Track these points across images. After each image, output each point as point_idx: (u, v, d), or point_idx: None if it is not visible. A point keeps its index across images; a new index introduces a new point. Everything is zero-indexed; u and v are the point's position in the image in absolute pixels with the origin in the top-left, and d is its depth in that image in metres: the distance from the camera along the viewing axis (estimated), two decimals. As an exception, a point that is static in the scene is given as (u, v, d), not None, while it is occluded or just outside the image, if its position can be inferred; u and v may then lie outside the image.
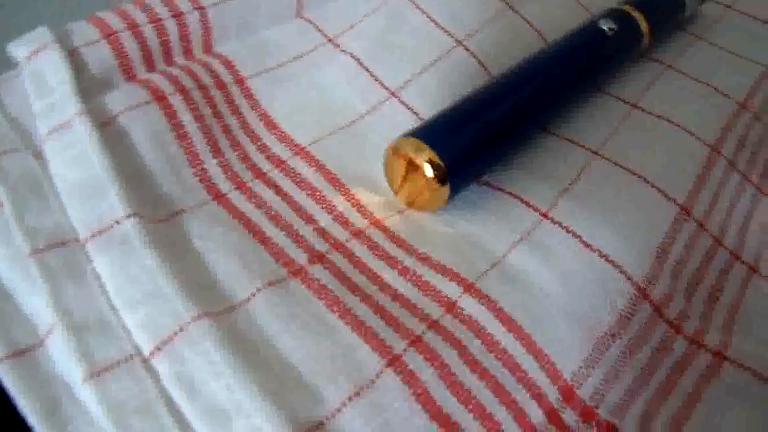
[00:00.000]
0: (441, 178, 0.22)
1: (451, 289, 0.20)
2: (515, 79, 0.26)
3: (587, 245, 0.23)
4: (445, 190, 0.22)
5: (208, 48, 0.26)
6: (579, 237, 0.23)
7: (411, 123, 0.25)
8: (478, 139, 0.23)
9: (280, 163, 0.23)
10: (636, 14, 0.30)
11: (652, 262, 0.22)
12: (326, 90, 0.26)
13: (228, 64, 0.25)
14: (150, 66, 0.24)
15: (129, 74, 0.23)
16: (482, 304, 0.20)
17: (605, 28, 0.28)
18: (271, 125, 0.24)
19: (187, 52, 0.25)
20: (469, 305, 0.20)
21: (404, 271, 0.21)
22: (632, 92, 0.29)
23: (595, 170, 0.25)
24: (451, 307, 0.20)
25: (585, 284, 0.21)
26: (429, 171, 0.22)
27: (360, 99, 0.26)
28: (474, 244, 0.22)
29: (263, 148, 0.24)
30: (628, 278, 0.22)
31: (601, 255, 0.22)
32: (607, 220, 0.23)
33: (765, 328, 0.23)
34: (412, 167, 0.22)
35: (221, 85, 0.24)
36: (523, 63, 0.27)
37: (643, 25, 0.30)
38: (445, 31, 0.28)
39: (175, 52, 0.25)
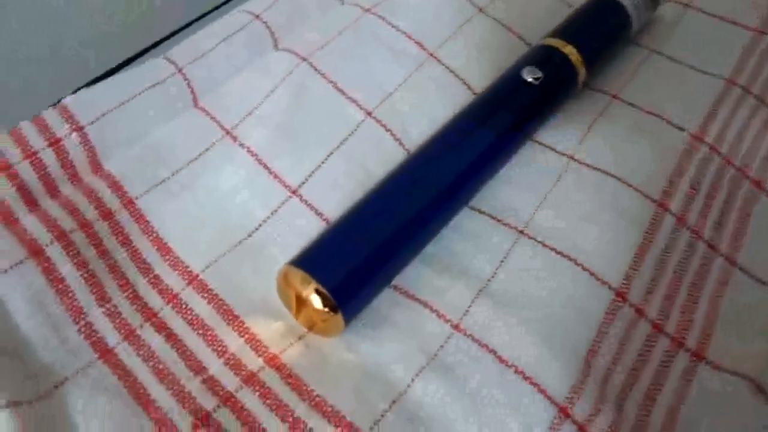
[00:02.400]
0: (332, 307, 0.20)
1: (342, 446, 0.18)
2: (422, 167, 0.23)
3: (502, 360, 0.20)
4: (339, 318, 0.20)
5: (96, 167, 0.23)
6: (493, 352, 0.20)
7: (312, 227, 0.23)
8: (374, 255, 0.21)
9: (172, 298, 0.21)
10: (566, 49, 0.26)
11: (573, 383, 0.20)
12: (224, 197, 0.23)
13: (115, 186, 0.23)
14: (31, 205, 0.22)
15: (7, 220, 0.21)
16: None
17: (529, 78, 0.25)
18: (164, 250, 0.22)
19: (74, 178, 0.23)
20: (358, 463, 0.18)
21: (295, 425, 0.19)
22: (568, 141, 0.26)
23: (519, 254, 0.23)
24: (337, 469, 0.18)
25: (497, 409, 0.19)
26: (317, 303, 0.19)
27: (259, 203, 0.23)
28: (375, 377, 0.20)
29: (155, 281, 0.22)
30: (549, 400, 0.19)
31: (518, 372, 0.20)
32: (530, 320, 0.21)
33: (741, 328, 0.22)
34: (302, 298, 0.20)
35: (107, 215, 0.22)
36: (434, 141, 0.24)
37: (576, 59, 0.26)
38: (352, 100, 0.25)
39: (60, 182, 0.23)
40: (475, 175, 0.23)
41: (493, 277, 0.22)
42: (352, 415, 0.19)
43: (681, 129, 0.26)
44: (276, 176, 0.24)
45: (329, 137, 0.24)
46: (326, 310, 0.19)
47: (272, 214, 0.23)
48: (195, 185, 0.24)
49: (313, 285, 0.19)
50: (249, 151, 0.24)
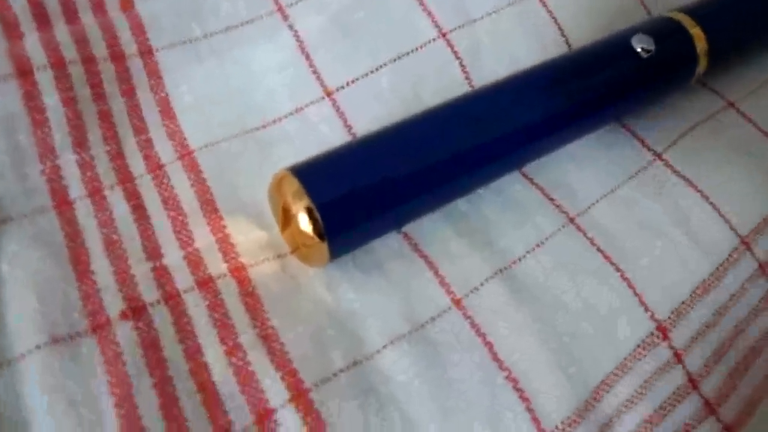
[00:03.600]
0: (319, 234, 0.16)
1: (275, 393, 0.15)
2: (478, 107, 0.19)
3: (496, 358, 0.16)
4: (324, 248, 0.16)
5: (126, 3, 0.20)
6: (489, 345, 0.16)
7: (336, 137, 0.19)
8: (386, 189, 0.17)
9: (156, 168, 0.18)
10: (694, 30, 0.21)
11: None
12: (252, 77, 0.20)
13: (139, 29, 0.20)
14: (42, 25, 0.19)
15: (10, 33, 0.18)
16: (304, 423, 0.15)
17: (638, 48, 0.20)
18: (167, 113, 0.19)
19: (98, 8, 0.20)
20: (288, 419, 0.15)
21: (233, 351, 0.16)
22: (661, 136, 0.21)
23: (560, 243, 0.18)
24: (263, 417, 0.15)
25: (469, 414, 0.15)
26: (304, 223, 0.16)
27: (288, 94, 0.20)
28: (344, 328, 0.16)
29: (145, 144, 0.19)
30: (536, 425, 0.15)
31: (510, 379, 0.16)
32: (547, 324, 0.17)
33: None
34: (290, 214, 0.16)
35: (118, 57, 0.19)
36: (503, 84, 0.19)
37: (701, 45, 0.21)
38: (428, 13, 0.21)
39: (82, 8, 0.20)
40: (538, 139, 0.19)
41: (521, 259, 0.18)
42: (300, 363, 0.16)
43: (800, 165, 0.21)
44: (315, 71, 0.20)
45: (389, 46, 0.20)
46: (312, 234, 0.16)
47: (297, 110, 0.19)
48: (226, 54, 0.20)
49: (305, 202, 0.16)
50: (296, 35, 0.20)
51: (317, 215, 0.16)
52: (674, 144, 0.21)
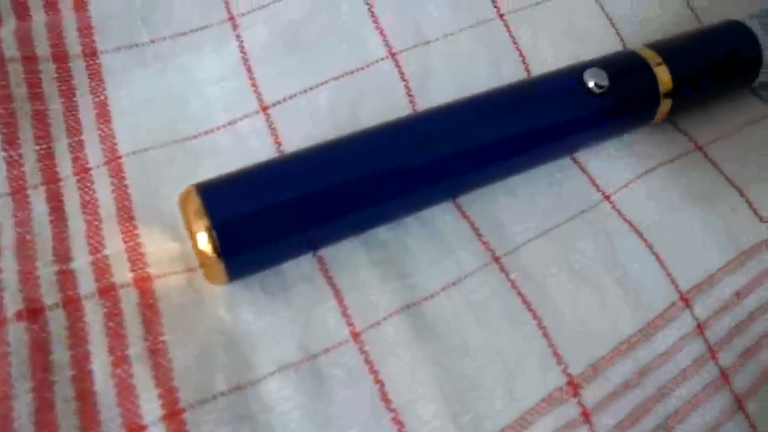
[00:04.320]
0: (217, 254, 0.16)
1: (150, 409, 0.15)
2: (411, 131, 0.18)
3: (385, 398, 0.16)
4: (221, 269, 0.16)
5: (79, 3, 0.20)
6: (381, 384, 0.16)
7: (264, 154, 0.19)
8: (296, 212, 0.16)
9: (82, 171, 0.18)
10: (657, 68, 0.19)
11: None
12: (194, 85, 0.20)
13: (87, 30, 0.20)
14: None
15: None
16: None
17: (590, 83, 0.19)
18: (103, 117, 0.19)
19: (51, 7, 0.20)
20: (156, 439, 0.15)
21: (119, 362, 0.15)
22: (613, 177, 0.20)
23: (478, 283, 0.17)
24: (132, 433, 0.15)
25: None
26: (203, 243, 0.16)
27: (223, 106, 0.19)
28: (236, 350, 0.16)
29: (77, 146, 0.19)
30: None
31: (395, 421, 0.15)
32: (444, 369, 0.16)
33: None
34: (191, 231, 0.16)
35: (60, 58, 0.19)
36: (440, 109, 0.19)
37: (664, 84, 0.19)
38: (380, 31, 0.20)
39: (33, 5, 0.20)
40: (472, 170, 0.18)
41: (433, 296, 0.17)
42: (182, 381, 0.15)
43: (762, 221, 0.20)
44: (254, 84, 0.19)
45: (334, 63, 0.20)
46: (210, 253, 0.15)
47: (231, 123, 0.19)
48: (171, 61, 0.20)
49: (204, 222, 0.15)
50: (241, 46, 0.20)
51: (215, 235, 0.15)
52: (626, 186, 0.20)
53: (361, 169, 0.17)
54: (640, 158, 0.20)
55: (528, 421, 0.16)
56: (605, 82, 0.19)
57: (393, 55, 0.20)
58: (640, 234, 0.19)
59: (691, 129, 0.21)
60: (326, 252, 0.18)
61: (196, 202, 0.16)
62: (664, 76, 0.19)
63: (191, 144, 0.19)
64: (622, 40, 0.22)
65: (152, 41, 0.20)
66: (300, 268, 0.17)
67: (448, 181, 0.18)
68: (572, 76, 0.19)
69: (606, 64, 0.19)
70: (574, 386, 0.16)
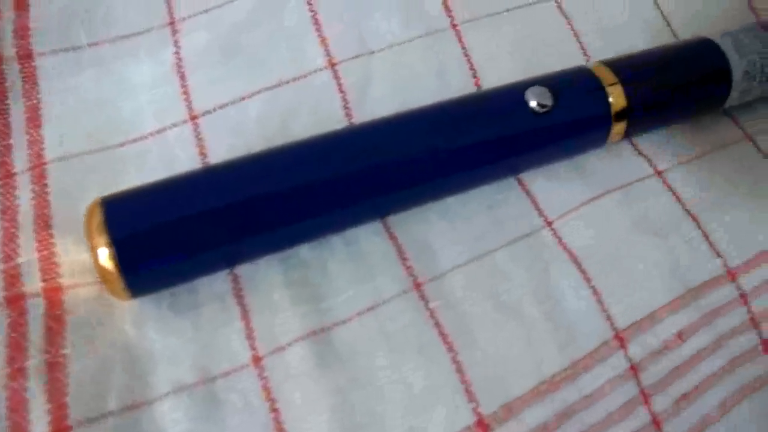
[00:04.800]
0: (118, 271, 0.15)
1: (37, 425, 0.15)
2: (338, 147, 0.17)
3: (280, 428, 0.15)
4: (122, 286, 0.15)
5: (21, 4, 0.20)
6: (276, 413, 0.15)
7: (188, 164, 0.18)
8: (206, 229, 0.16)
9: (7, 176, 0.18)
10: (611, 87, 0.18)
11: None
12: (127, 91, 0.19)
13: (24, 32, 0.19)
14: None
15: None
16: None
17: (532, 102, 0.17)
18: (34, 122, 0.19)
19: (-9, 7, 0.20)
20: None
21: (15, 375, 0.15)
22: (558, 202, 0.19)
23: (394, 311, 0.17)
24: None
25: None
26: (103, 258, 0.15)
27: (153, 114, 0.19)
28: (135, 368, 0.16)
29: (4, 151, 0.18)
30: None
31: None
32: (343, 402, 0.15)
33: None
34: (92, 245, 0.15)
35: (-6, 60, 0.19)
36: (373, 125, 0.18)
37: (617, 104, 0.18)
38: (322, 40, 0.19)
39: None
40: (401, 188, 0.17)
41: (345, 322, 0.16)
42: (75, 397, 0.15)
43: (719, 255, 0.18)
44: (186, 92, 0.19)
45: (269, 72, 0.19)
46: (110, 270, 0.15)
47: (159, 131, 0.19)
48: (107, 66, 0.19)
49: (104, 237, 0.15)
50: (177, 52, 0.19)
51: (114, 251, 0.15)
52: (572, 212, 0.19)
53: (278, 183, 0.16)
54: (591, 182, 0.19)
55: None
56: (549, 102, 0.17)
57: (333, 65, 0.19)
58: (578, 265, 0.18)
59: (653, 152, 0.20)
60: (243, 270, 0.17)
61: (98, 217, 0.15)
62: (617, 96, 0.18)
63: (118, 152, 0.18)
64: (585, 54, 0.21)
65: (90, 45, 0.20)
66: (213, 286, 0.17)
67: (375, 199, 0.17)
68: (515, 93, 0.18)
69: (552, 82, 0.18)
70: (483, 426, 0.15)
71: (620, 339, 0.17)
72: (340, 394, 0.15)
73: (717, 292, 0.18)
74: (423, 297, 0.17)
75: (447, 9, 0.21)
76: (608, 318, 0.17)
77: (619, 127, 0.19)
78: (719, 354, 0.17)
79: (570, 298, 0.17)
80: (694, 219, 0.19)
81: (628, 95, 0.18)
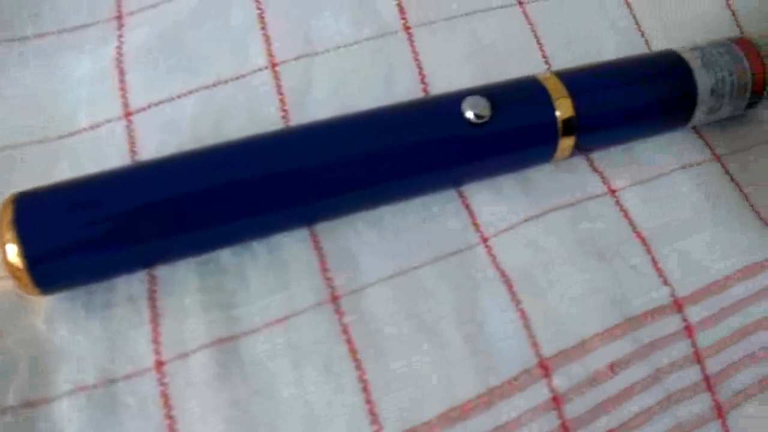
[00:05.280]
0: (25, 269, 0.15)
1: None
2: (265, 150, 0.17)
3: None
4: (31, 283, 0.15)
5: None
6: (171, 419, 0.15)
7: (117, 161, 0.18)
8: (122, 228, 0.15)
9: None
10: (560, 101, 0.17)
11: None
12: (68, 84, 0.19)
13: (-30, 20, 0.19)
14: None
15: None
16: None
17: (469, 113, 0.17)
18: (-28, 112, 0.19)
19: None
20: None
21: None
22: (495, 217, 0.18)
23: (306, 325, 0.16)
24: None
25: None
26: (11, 255, 0.15)
27: (89, 109, 0.19)
28: (39, 366, 0.15)
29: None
30: None
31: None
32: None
33: None
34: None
35: (-61, 48, 0.19)
36: (306, 128, 0.17)
37: (563, 119, 0.17)
38: (266, 38, 0.19)
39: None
40: (329, 196, 0.17)
41: (253, 332, 0.16)
42: None
43: (666, 283, 0.17)
44: (123, 88, 0.19)
45: (209, 70, 0.19)
46: (18, 267, 0.15)
47: (93, 127, 0.18)
48: (50, 58, 0.19)
49: (11, 234, 0.15)
50: (119, 47, 0.19)
51: (22, 248, 0.15)
52: (512, 228, 0.18)
53: (196, 184, 0.16)
54: (536, 198, 0.18)
55: None
56: (486, 112, 0.17)
57: (274, 65, 0.19)
58: (509, 285, 0.17)
59: (610, 169, 0.19)
60: (162, 271, 0.17)
61: (9, 213, 0.15)
62: (565, 109, 0.17)
63: (52, 146, 0.18)
64: (548, 63, 0.20)
65: (36, 36, 0.19)
66: (131, 286, 0.17)
67: (300, 206, 0.17)
68: (452, 102, 0.17)
69: (495, 92, 0.17)
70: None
71: (545, 367, 0.16)
72: (239, 407, 0.15)
73: (659, 323, 0.17)
74: (338, 311, 0.16)
75: (401, 10, 0.20)
76: (534, 344, 0.16)
77: (566, 143, 0.18)
78: (654, 390, 0.16)
79: (495, 321, 0.16)
80: (644, 243, 0.18)
81: (578, 109, 0.17)
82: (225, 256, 0.17)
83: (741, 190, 0.19)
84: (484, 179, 0.18)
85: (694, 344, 0.17)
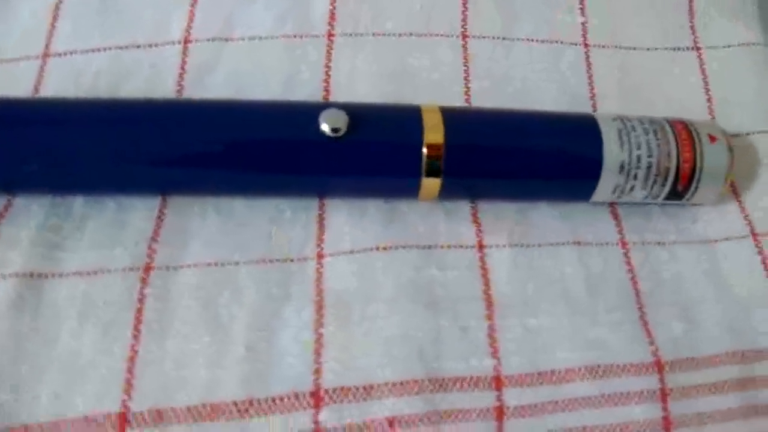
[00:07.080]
0: None
1: None
2: (140, 114, 0.17)
3: None
4: None
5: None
6: None
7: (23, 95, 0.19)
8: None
9: None
10: (428, 132, 0.17)
11: None
12: (8, 20, 0.21)
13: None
14: None
15: None
16: None
17: (324, 126, 0.16)
18: None
19: None
20: None
21: None
22: (338, 239, 0.18)
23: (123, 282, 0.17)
24: None
25: None
26: None
27: (16, 44, 0.20)
28: None
29: None
30: None
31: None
32: None
33: None
34: None
35: None
36: (182, 105, 0.18)
37: (434, 157, 0.17)
38: (190, 19, 0.20)
39: None
40: (177, 169, 0.17)
41: (59, 277, 0.17)
42: None
43: (494, 357, 0.16)
44: (51, 32, 0.20)
45: (129, 33, 0.20)
46: None
47: (11, 60, 0.20)
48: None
49: None
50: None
51: None
52: (350, 253, 0.17)
53: (64, 128, 0.17)
54: (394, 231, 0.18)
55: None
56: (342, 126, 0.16)
57: (187, 41, 0.20)
58: (320, 307, 0.16)
59: (490, 223, 0.18)
60: (19, 201, 0.18)
61: None
62: (433, 141, 0.17)
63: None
64: (468, 101, 0.19)
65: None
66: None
67: (148, 173, 0.17)
68: (313, 112, 0.17)
69: (360, 110, 0.17)
70: (123, 420, 0.15)
71: (317, 397, 0.15)
72: (15, 338, 0.16)
73: (468, 395, 0.16)
74: (144, 280, 0.17)
75: (332, 16, 0.20)
76: (317, 371, 0.16)
77: (431, 183, 0.17)
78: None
79: (287, 337, 0.16)
80: (490, 307, 0.17)
81: (449, 146, 0.17)
82: (77, 203, 0.18)
83: (635, 286, 0.18)
84: (346, 197, 0.18)
85: (499, 430, 0.16)
